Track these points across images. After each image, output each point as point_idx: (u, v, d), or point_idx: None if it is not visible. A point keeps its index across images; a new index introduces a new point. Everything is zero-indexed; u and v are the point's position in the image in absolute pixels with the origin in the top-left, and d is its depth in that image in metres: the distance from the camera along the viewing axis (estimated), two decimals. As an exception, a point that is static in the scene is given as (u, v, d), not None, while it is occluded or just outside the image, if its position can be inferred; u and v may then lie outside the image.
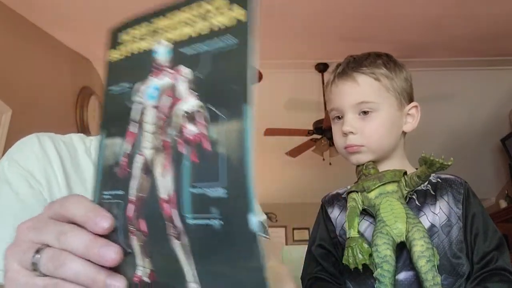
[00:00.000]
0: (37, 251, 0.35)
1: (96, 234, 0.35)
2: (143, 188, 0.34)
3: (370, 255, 0.73)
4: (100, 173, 0.39)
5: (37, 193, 0.64)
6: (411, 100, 0.90)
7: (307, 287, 0.84)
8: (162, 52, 0.35)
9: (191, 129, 0.32)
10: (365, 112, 0.84)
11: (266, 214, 0.88)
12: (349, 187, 0.85)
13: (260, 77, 0.85)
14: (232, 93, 0.30)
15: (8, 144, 0.75)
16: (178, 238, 0.33)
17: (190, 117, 0.32)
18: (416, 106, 0.90)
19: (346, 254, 0.74)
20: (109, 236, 0.36)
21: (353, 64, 0.87)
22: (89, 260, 0.34)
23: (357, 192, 0.80)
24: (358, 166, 0.86)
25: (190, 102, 0.32)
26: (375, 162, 0.85)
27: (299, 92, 3.72)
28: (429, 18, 2.82)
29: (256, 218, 0.29)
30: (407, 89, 0.89)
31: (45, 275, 0.35)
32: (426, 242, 0.71)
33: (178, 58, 0.34)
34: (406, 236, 0.73)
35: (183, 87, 0.33)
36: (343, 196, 0.89)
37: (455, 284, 0.76)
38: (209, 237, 0.31)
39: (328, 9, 2.71)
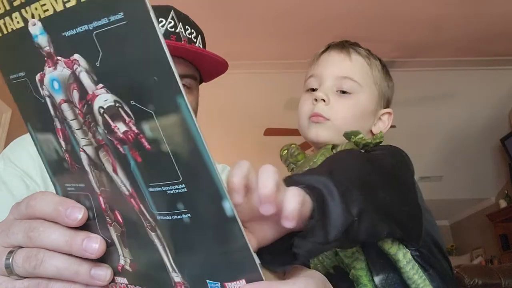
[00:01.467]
0: (9, 254, 0.34)
1: (74, 228, 0.33)
2: (102, 182, 0.33)
3: (336, 254, 0.64)
4: (49, 168, 0.37)
5: (33, 192, 0.64)
6: (386, 107, 0.85)
7: None
8: (38, 33, 0.30)
9: (119, 127, 0.29)
10: (343, 92, 0.77)
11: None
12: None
13: (226, 65, 0.81)
14: (156, 86, 0.26)
15: (8, 144, 0.75)
16: (153, 230, 0.32)
17: (110, 113, 0.29)
18: (390, 113, 0.83)
19: (312, 262, 0.65)
20: (87, 228, 0.34)
21: (352, 43, 0.83)
22: (68, 254, 0.33)
23: None
24: (281, 157, 0.79)
25: (102, 97, 0.28)
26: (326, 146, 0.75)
27: (299, 92, 3.70)
28: (429, 18, 2.82)
29: (229, 203, 0.27)
30: (389, 96, 0.84)
31: (23, 277, 0.34)
32: None
33: (59, 40, 0.29)
34: None
35: (85, 78, 0.29)
36: None
37: None
38: (181, 231, 0.30)
39: (328, 9, 2.71)
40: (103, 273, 0.34)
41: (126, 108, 0.28)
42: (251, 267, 0.29)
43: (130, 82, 0.27)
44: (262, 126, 3.46)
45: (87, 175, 0.33)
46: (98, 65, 0.28)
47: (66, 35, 0.28)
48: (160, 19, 0.76)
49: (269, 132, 3.44)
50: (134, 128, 0.28)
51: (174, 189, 0.28)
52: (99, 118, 0.30)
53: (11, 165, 0.67)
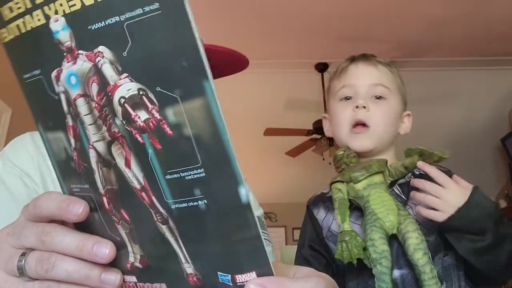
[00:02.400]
0: (22, 256, 0.34)
1: (86, 233, 0.34)
2: (109, 180, 0.33)
3: (364, 249, 0.71)
4: (57, 169, 0.37)
5: (32, 192, 0.64)
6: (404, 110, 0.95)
7: None
8: (59, 29, 0.30)
9: (140, 116, 0.29)
10: (377, 97, 0.85)
11: (266, 214, 0.88)
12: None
13: (247, 62, 0.82)
14: (183, 70, 0.27)
15: (7, 144, 0.75)
16: (164, 223, 0.32)
17: (132, 102, 0.29)
18: (409, 115, 0.93)
19: (339, 249, 0.71)
20: (96, 230, 0.35)
21: (371, 55, 0.92)
22: (80, 258, 0.34)
23: (342, 182, 0.78)
24: (335, 156, 0.84)
25: (125, 86, 0.29)
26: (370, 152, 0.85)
27: (299, 92, 3.71)
28: (429, 18, 2.82)
29: (245, 189, 0.28)
30: (405, 100, 0.93)
31: (34, 279, 0.34)
32: (420, 234, 0.70)
33: (82, 34, 0.30)
34: (397, 228, 0.71)
35: (108, 70, 0.29)
36: (327, 195, 0.88)
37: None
38: (196, 219, 0.30)
39: (328, 9, 2.71)
40: (113, 277, 0.34)
41: (150, 95, 0.28)
42: (262, 259, 0.29)
43: (158, 69, 0.28)
44: (262, 126, 3.46)
45: (93, 174, 0.34)
46: (125, 55, 0.28)
47: (92, 28, 0.29)
48: None
49: (269, 132, 3.44)
50: (156, 114, 0.28)
51: (193, 175, 0.29)
52: (118, 109, 0.30)
53: (10, 165, 0.67)
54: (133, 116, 0.30)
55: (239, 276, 0.30)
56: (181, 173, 0.29)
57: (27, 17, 0.32)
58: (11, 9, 0.33)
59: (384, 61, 0.91)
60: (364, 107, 0.84)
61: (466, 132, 4.11)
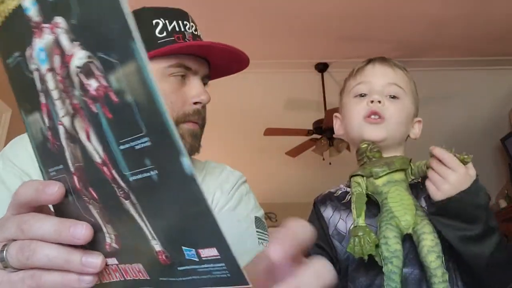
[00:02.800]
0: (3, 247, 0.35)
1: (63, 218, 0.34)
2: (76, 157, 0.33)
3: (376, 246, 0.70)
4: (37, 153, 0.37)
5: None
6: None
7: None
8: (29, 6, 0.31)
9: (91, 84, 0.29)
10: (392, 97, 0.86)
11: (266, 214, 0.88)
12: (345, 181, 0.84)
13: (248, 61, 0.82)
14: (114, 33, 0.27)
15: (7, 144, 0.75)
16: (127, 198, 0.31)
17: (85, 71, 0.29)
18: (420, 121, 0.94)
19: (351, 243, 0.72)
20: (72, 214, 0.35)
21: (388, 58, 0.94)
22: (59, 244, 0.34)
23: (362, 176, 0.78)
24: (358, 149, 0.84)
25: (78, 55, 0.29)
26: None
27: (299, 92, 3.71)
28: (429, 18, 2.82)
29: (187, 161, 0.27)
30: (417, 105, 0.95)
31: (18, 269, 0.34)
32: (435, 237, 0.70)
33: (46, 7, 0.30)
34: (413, 228, 0.71)
35: (64, 40, 0.30)
36: (335, 195, 0.88)
37: None
38: (151, 190, 0.30)
39: (328, 9, 2.71)
40: (94, 260, 0.34)
41: (96, 62, 0.28)
42: (216, 235, 0.28)
43: (97, 34, 0.28)
44: (262, 126, 3.46)
45: (64, 152, 0.33)
46: (74, 23, 0.29)
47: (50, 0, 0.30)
48: (184, 22, 0.76)
49: (269, 132, 3.44)
50: (104, 81, 0.28)
51: (140, 144, 0.28)
52: (76, 79, 0.30)
53: (10, 164, 0.67)
54: (85, 85, 0.29)
55: (203, 250, 0.29)
56: (131, 142, 0.29)
57: (8, 1, 0.32)
58: None
59: (401, 64, 0.93)
60: (379, 101, 0.84)
61: (466, 132, 4.11)
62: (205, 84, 0.79)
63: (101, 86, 0.28)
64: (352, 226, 0.74)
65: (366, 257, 0.70)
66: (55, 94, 0.32)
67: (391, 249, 0.69)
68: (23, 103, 0.36)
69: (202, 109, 0.78)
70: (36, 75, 0.33)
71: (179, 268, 0.32)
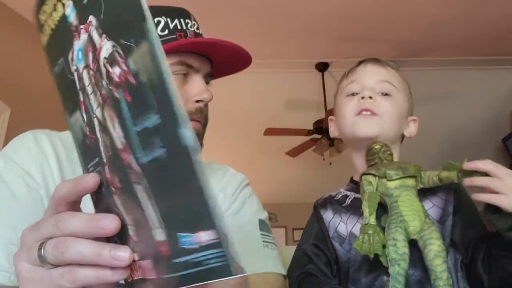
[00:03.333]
0: (41, 245, 0.36)
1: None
2: (107, 146, 0.34)
3: (383, 246, 0.70)
4: (79, 152, 0.39)
5: (33, 191, 0.64)
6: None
7: (298, 281, 0.81)
8: (70, 12, 0.34)
9: (115, 71, 0.31)
10: (384, 94, 0.86)
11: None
12: (348, 184, 0.83)
13: (250, 60, 0.82)
14: (131, 16, 0.29)
15: (6, 144, 0.75)
16: (139, 183, 0.32)
17: (110, 60, 0.31)
18: (415, 120, 0.93)
19: (360, 240, 0.71)
20: (106, 207, 0.36)
21: (381, 60, 0.93)
22: (91, 239, 0.35)
23: (374, 176, 0.78)
24: (370, 149, 0.83)
25: (105, 46, 0.31)
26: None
27: (299, 92, 3.71)
28: (429, 18, 2.81)
29: (189, 132, 0.27)
30: (412, 105, 0.93)
31: (56, 266, 0.36)
32: (442, 244, 0.70)
33: (81, 10, 0.33)
34: (419, 234, 0.72)
35: (96, 36, 0.32)
36: (335, 198, 0.88)
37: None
38: (161, 169, 0.30)
39: (328, 9, 2.71)
40: (122, 253, 0.35)
41: (119, 49, 0.30)
42: (215, 214, 0.28)
43: (119, 21, 0.30)
44: (262, 126, 3.46)
45: (99, 144, 0.35)
46: (102, 18, 0.31)
47: (84, 1, 0.33)
48: (186, 20, 0.76)
49: (269, 132, 3.44)
50: (124, 67, 0.30)
51: (153, 122, 0.29)
52: (103, 71, 0.32)
53: (11, 163, 0.67)
54: (111, 73, 0.31)
55: (201, 234, 0.29)
56: (144, 122, 0.30)
57: (54, 13, 0.35)
58: (44, 12, 0.37)
59: (393, 64, 0.92)
60: (371, 97, 0.83)
61: (467, 132, 4.12)
62: (207, 82, 0.79)
63: (122, 72, 0.30)
64: (363, 223, 0.74)
65: (372, 256, 0.70)
66: (89, 89, 0.34)
67: (400, 251, 0.69)
68: (66, 105, 0.38)
69: (205, 107, 0.78)
70: (76, 76, 0.35)
71: (178, 260, 0.32)
